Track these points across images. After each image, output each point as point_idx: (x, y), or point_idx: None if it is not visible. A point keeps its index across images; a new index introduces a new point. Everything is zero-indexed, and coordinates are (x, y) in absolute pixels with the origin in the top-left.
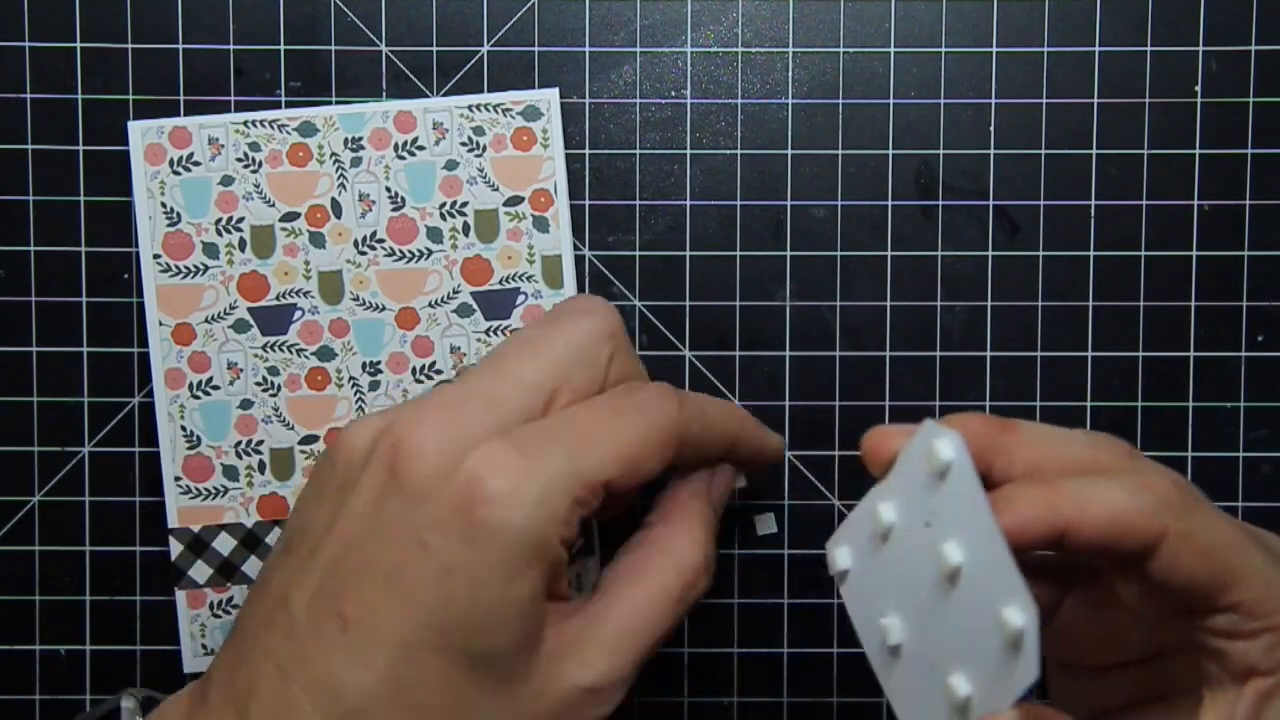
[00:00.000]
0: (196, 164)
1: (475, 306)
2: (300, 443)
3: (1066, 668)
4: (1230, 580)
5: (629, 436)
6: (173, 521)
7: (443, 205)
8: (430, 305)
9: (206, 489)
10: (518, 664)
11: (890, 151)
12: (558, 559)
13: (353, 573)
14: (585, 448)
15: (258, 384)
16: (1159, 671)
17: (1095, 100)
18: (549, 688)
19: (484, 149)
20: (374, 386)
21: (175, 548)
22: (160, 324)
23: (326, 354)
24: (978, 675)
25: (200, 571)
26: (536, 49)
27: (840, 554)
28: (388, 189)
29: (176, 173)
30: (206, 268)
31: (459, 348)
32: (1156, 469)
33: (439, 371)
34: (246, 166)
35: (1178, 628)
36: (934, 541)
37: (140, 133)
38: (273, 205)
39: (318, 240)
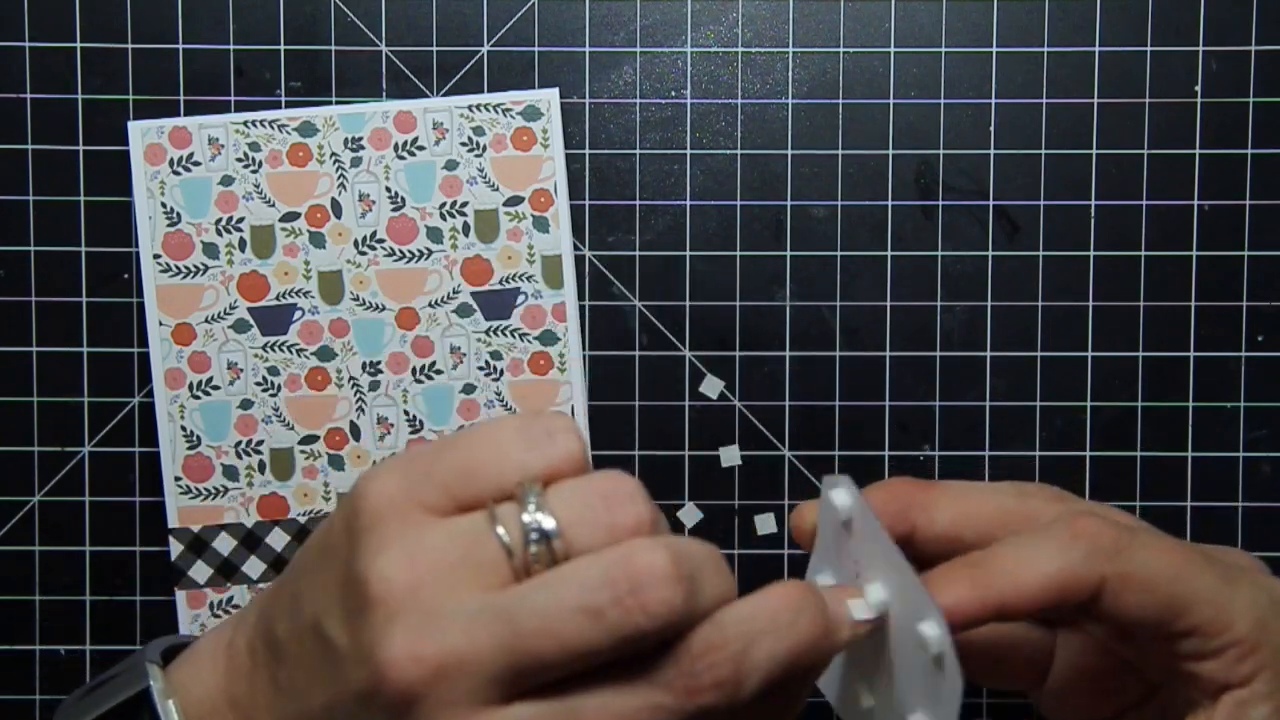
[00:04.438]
0: (196, 164)
1: (475, 306)
2: (300, 443)
3: None
4: (1180, 607)
5: None
6: (173, 521)
7: (443, 205)
8: (430, 305)
9: (206, 489)
10: None
11: (890, 151)
12: None
13: (332, 713)
14: None
15: (258, 384)
16: (1157, 711)
17: (1095, 100)
18: None
19: (484, 149)
20: (374, 386)
21: (175, 548)
22: (160, 324)
23: (326, 354)
24: (927, 707)
25: (200, 571)
26: (536, 49)
27: None
28: (388, 189)
29: (176, 173)
30: (206, 268)
31: (459, 348)
32: (1089, 511)
33: (439, 372)
34: (246, 166)
35: (1159, 661)
36: (866, 590)
37: (140, 133)
38: (273, 205)
39: (318, 240)
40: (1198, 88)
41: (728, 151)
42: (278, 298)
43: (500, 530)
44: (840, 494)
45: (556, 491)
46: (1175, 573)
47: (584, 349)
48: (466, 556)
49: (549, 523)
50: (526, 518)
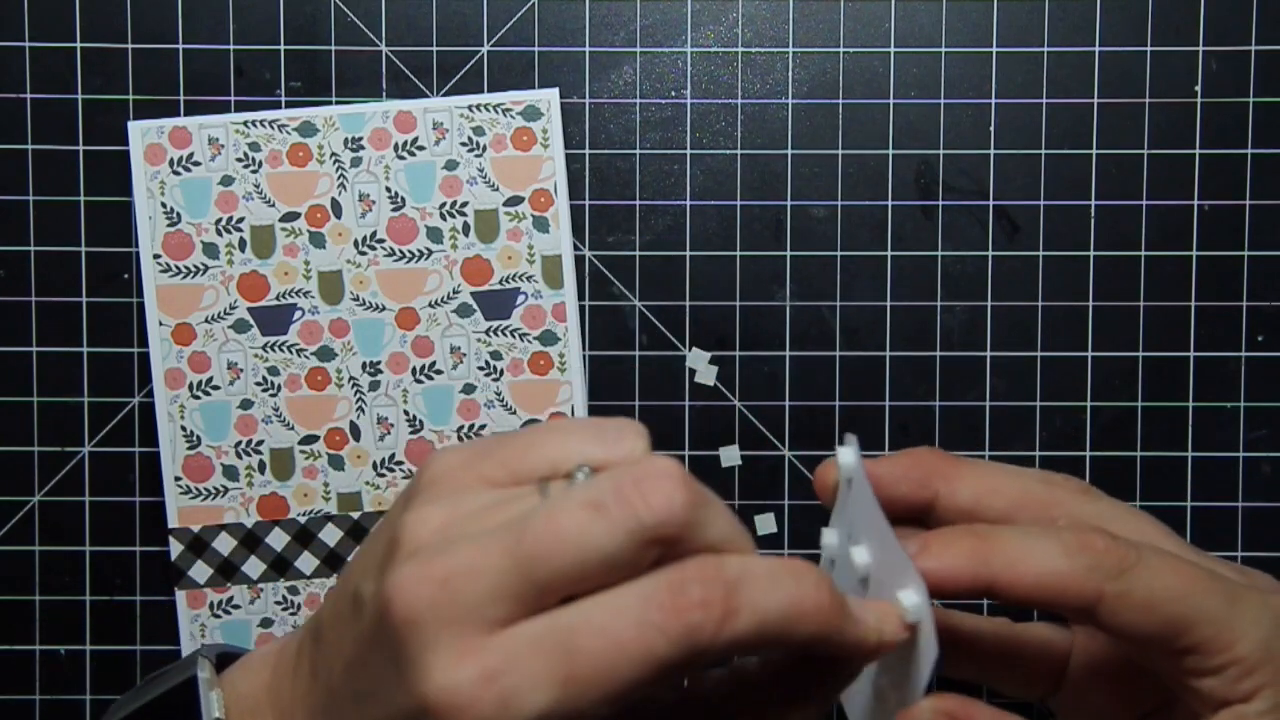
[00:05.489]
0: (196, 164)
1: (475, 306)
2: (300, 443)
3: None
4: (1180, 627)
5: (636, 665)
6: (173, 521)
7: (443, 205)
8: (430, 305)
9: (206, 489)
10: None
11: (890, 151)
12: None
13: (363, 691)
14: (573, 679)
15: (258, 384)
16: (1184, 717)
17: (1095, 100)
18: None
19: (484, 149)
20: (374, 386)
21: (175, 548)
22: (160, 324)
23: (326, 354)
24: (897, 676)
25: (200, 571)
26: (536, 49)
27: None
28: (388, 189)
29: (176, 173)
30: (206, 268)
31: (459, 348)
32: (1119, 511)
33: (439, 372)
34: (246, 166)
35: (1165, 670)
36: (850, 553)
37: (140, 133)
38: (273, 205)
39: (318, 240)
40: (1198, 88)
41: (728, 151)
42: (278, 298)
43: (548, 490)
44: (845, 452)
45: (606, 472)
46: (1177, 594)
47: (584, 349)
48: (499, 509)
49: None
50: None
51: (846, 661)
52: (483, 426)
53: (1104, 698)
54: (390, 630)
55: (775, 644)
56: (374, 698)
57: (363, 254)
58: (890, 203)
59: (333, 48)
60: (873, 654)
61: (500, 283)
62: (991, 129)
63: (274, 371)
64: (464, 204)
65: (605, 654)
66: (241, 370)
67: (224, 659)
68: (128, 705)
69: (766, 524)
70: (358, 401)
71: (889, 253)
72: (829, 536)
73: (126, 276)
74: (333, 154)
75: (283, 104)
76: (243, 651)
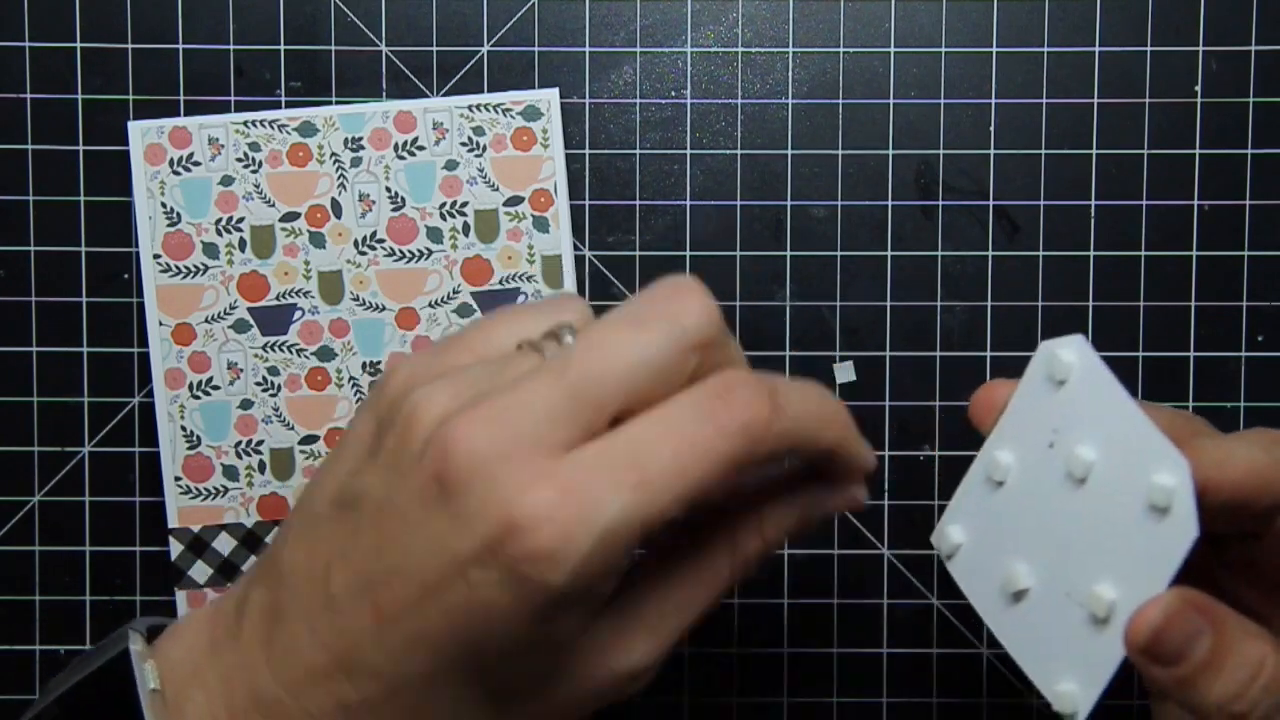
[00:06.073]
0: (196, 164)
1: (475, 306)
2: (300, 443)
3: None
4: None
5: (702, 463)
6: (173, 521)
7: (443, 205)
8: (430, 305)
9: (206, 489)
10: (544, 688)
11: (890, 151)
12: (601, 598)
13: (391, 568)
14: (647, 483)
15: (258, 384)
16: None
17: (1095, 100)
18: (587, 678)
19: (484, 149)
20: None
21: (175, 548)
22: (160, 324)
23: (326, 354)
24: (1125, 572)
25: (200, 571)
26: (536, 49)
27: (950, 532)
28: (388, 189)
29: (176, 173)
30: (206, 268)
31: None
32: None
33: None
34: (246, 166)
35: None
36: (1061, 454)
37: (140, 133)
38: (273, 205)
39: (318, 240)
40: (1198, 88)
41: (728, 151)
42: (278, 298)
43: (541, 347)
44: (1068, 350)
45: (636, 293)
46: None
47: None
48: (508, 366)
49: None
50: (567, 342)
51: (841, 481)
52: None
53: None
54: (448, 480)
55: (801, 449)
56: (414, 565)
57: (363, 254)
58: (890, 203)
59: (333, 48)
60: (864, 477)
61: (500, 283)
62: (991, 129)
63: (274, 371)
64: (464, 204)
65: (673, 457)
66: (241, 370)
67: (154, 631)
68: (60, 685)
69: None
70: (358, 402)
71: (889, 253)
72: (1002, 456)
73: (126, 276)
74: (333, 154)
75: (283, 104)
76: (169, 621)
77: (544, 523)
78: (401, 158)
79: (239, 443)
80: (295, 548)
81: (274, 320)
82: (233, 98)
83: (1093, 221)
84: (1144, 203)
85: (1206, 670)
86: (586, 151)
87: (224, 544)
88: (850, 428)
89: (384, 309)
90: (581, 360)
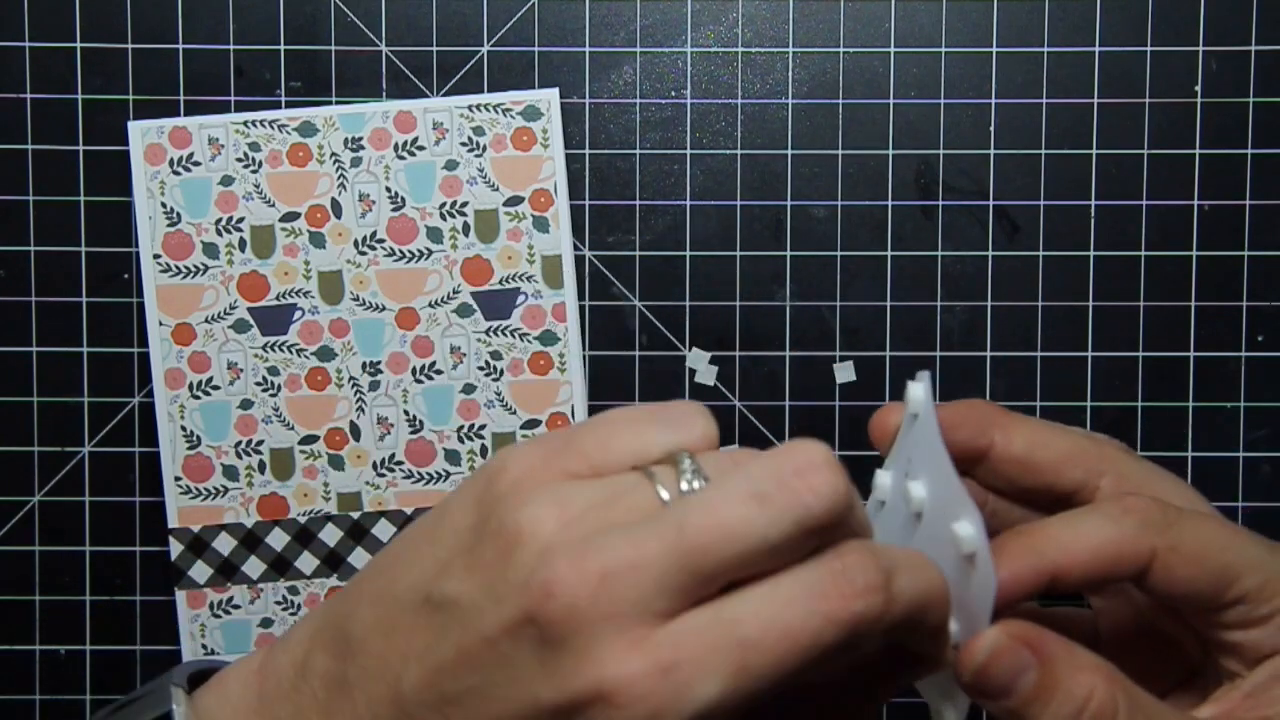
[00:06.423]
0: (196, 164)
1: (475, 306)
2: (300, 443)
3: None
4: (1229, 577)
5: (808, 652)
6: (173, 521)
7: (443, 205)
8: (430, 305)
9: (206, 489)
10: None
11: (890, 151)
12: None
13: (470, 690)
14: (746, 670)
15: (258, 384)
16: (1196, 694)
17: (1095, 100)
18: None
19: (484, 149)
20: (374, 386)
21: (175, 548)
22: (160, 324)
23: (326, 354)
24: (958, 604)
25: (200, 571)
26: (536, 49)
27: None
28: (388, 189)
29: (176, 173)
30: (206, 268)
31: (459, 348)
32: (1153, 473)
33: (439, 372)
34: (246, 166)
35: (1202, 632)
36: (907, 487)
37: (140, 133)
38: (273, 205)
39: (318, 240)
40: (1198, 88)
41: (728, 151)
42: (278, 298)
43: (656, 477)
44: (917, 386)
45: (761, 461)
46: (1224, 543)
47: (584, 349)
48: (620, 499)
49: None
50: (685, 477)
51: (929, 658)
52: (483, 426)
53: (1129, 674)
54: (545, 625)
55: (907, 632)
56: (493, 694)
57: (363, 254)
58: (890, 203)
59: (333, 48)
60: (947, 661)
61: (500, 283)
62: (991, 129)
63: (274, 371)
64: (464, 204)
65: (777, 643)
66: (241, 370)
67: (196, 676)
68: None
69: None
70: (358, 401)
71: (889, 253)
72: (882, 478)
73: (126, 276)
74: (333, 154)
75: (283, 104)
76: (214, 665)
77: (637, 700)
78: (401, 158)
79: (239, 443)
80: (372, 628)
81: (274, 320)
82: (233, 98)
83: (1093, 221)
84: (1144, 203)
85: (1034, 703)
86: (586, 151)
87: (224, 544)
88: (949, 604)
89: (384, 309)
90: (698, 528)
